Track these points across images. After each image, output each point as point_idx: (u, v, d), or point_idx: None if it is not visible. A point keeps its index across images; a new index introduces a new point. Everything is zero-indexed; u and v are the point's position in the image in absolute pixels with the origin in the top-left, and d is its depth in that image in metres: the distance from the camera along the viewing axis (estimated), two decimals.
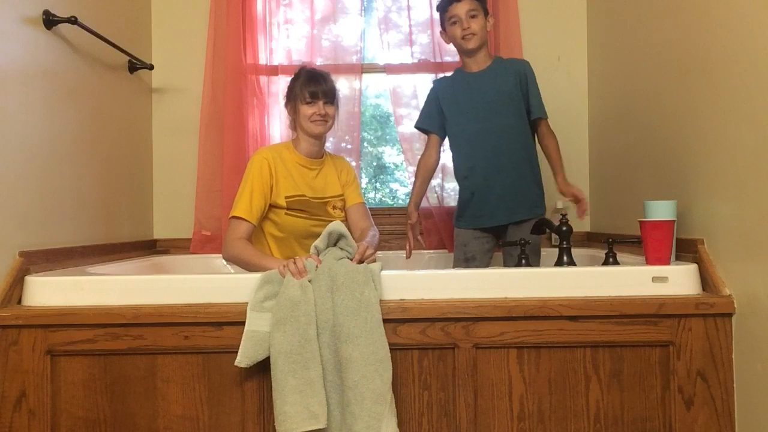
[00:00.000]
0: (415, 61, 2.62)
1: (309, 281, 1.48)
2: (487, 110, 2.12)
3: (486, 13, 2.13)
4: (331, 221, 1.66)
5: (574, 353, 1.51)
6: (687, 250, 1.68)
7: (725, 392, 1.49)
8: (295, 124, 2.00)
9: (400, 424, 1.47)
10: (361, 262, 1.58)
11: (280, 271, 1.52)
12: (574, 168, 2.54)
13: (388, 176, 2.91)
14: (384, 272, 1.54)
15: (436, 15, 2.29)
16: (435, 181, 2.51)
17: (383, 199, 2.90)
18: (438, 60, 2.59)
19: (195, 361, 1.52)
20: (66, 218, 1.91)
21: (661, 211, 1.67)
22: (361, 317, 1.42)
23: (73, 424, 1.52)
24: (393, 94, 2.63)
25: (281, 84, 2.60)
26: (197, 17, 2.63)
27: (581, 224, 2.60)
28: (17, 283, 1.58)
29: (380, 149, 2.90)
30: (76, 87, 1.99)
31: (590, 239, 2.58)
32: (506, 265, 2.16)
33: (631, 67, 2.14)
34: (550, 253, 2.17)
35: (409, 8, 2.62)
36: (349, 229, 2.06)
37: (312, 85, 1.92)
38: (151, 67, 2.52)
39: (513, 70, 2.14)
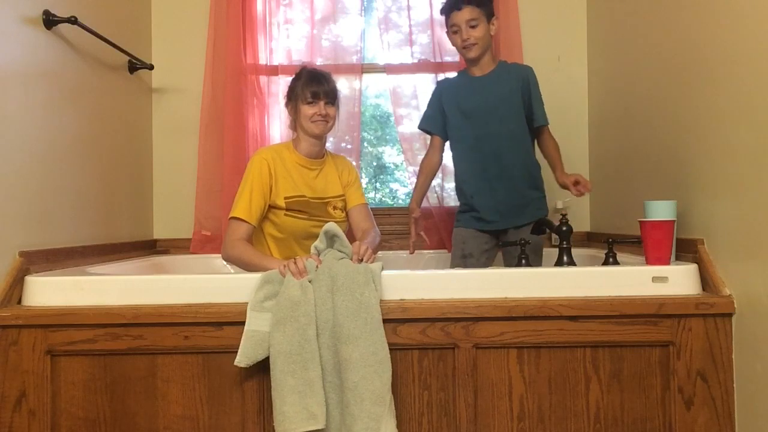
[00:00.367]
0: (415, 61, 2.62)
1: (309, 281, 1.48)
2: (489, 115, 2.11)
3: (490, 17, 2.09)
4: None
5: (574, 353, 1.51)
6: (687, 250, 1.68)
7: (725, 392, 1.49)
8: (295, 124, 2.00)
9: (400, 424, 1.47)
10: (360, 261, 1.58)
11: (280, 271, 1.52)
12: (574, 168, 2.52)
13: (388, 176, 2.91)
14: (384, 272, 1.54)
15: (436, 15, 2.29)
16: (435, 181, 2.50)
17: (383, 199, 2.90)
18: (438, 60, 2.59)
19: (195, 361, 1.52)
20: (66, 218, 1.91)
21: (661, 211, 1.67)
22: (361, 318, 1.42)
23: (73, 424, 1.52)
24: (393, 94, 2.63)
25: (281, 84, 2.60)
26: (197, 17, 2.63)
27: (581, 224, 2.60)
28: (17, 283, 1.58)
29: (380, 149, 2.90)
30: (76, 87, 1.99)
31: (590, 239, 2.58)
32: (506, 265, 2.16)
33: (631, 67, 2.14)
34: (550, 253, 2.16)
35: (409, 8, 2.62)
36: (351, 230, 2.06)
37: (313, 85, 1.92)
38: (151, 67, 2.52)
39: (516, 76, 2.12)
